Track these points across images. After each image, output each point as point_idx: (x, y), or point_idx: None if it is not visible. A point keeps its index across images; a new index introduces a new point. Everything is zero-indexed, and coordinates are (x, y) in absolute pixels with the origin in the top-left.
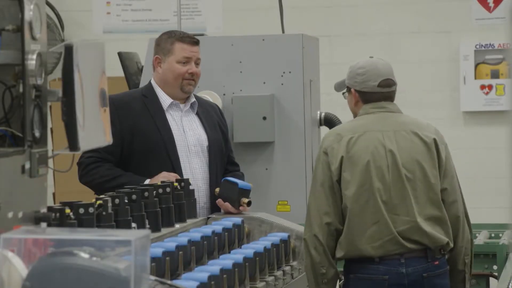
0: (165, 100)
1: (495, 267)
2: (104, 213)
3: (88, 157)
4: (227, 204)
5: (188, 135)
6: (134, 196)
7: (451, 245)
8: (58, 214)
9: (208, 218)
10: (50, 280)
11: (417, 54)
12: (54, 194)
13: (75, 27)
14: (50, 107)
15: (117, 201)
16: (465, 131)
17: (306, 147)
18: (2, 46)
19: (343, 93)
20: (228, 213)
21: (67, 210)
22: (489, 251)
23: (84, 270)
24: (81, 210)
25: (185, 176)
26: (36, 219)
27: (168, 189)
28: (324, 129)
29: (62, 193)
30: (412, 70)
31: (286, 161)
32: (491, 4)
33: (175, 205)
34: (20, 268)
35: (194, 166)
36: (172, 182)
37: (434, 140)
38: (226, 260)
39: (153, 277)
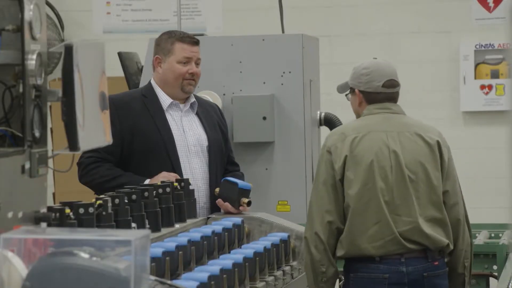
0: (165, 100)
1: (495, 267)
2: (104, 213)
3: (88, 157)
4: (227, 204)
5: (188, 135)
6: (134, 196)
7: (451, 247)
8: (58, 214)
9: (208, 218)
10: (50, 280)
11: (417, 54)
12: (54, 194)
13: (75, 27)
14: (50, 107)
15: (117, 201)
16: (465, 131)
17: (306, 147)
18: (2, 46)
19: (346, 95)
20: (228, 213)
21: (67, 210)
22: (489, 251)
23: (84, 270)
24: (81, 210)
25: (185, 176)
26: (36, 219)
27: (168, 189)
28: (324, 129)
29: (62, 193)
30: (412, 70)
31: (286, 161)
32: (491, 4)
33: (175, 205)
34: (20, 268)
35: (194, 166)
36: (172, 182)
37: (438, 142)
38: (226, 260)
39: (153, 277)
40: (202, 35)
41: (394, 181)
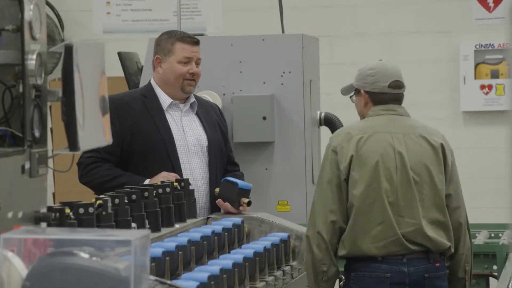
0: (164, 100)
1: (495, 267)
2: (104, 213)
3: (88, 157)
4: (227, 204)
5: (188, 135)
6: (134, 196)
7: (452, 250)
8: (58, 214)
9: (208, 218)
10: (50, 280)
11: (417, 54)
12: (54, 194)
13: (75, 27)
14: (50, 107)
15: (117, 201)
16: (465, 131)
17: (306, 147)
18: (2, 46)
19: (351, 97)
20: (228, 213)
21: (67, 210)
22: (489, 251)
23: (84, 270)
24: (81, 210)
25: (185, 176)
26: (36, 219)
27: (168, 189)
28: (324, 129)
29: (62, 193)
30: (412, 70)
31: (286, 161)
32: (491, 4)
33: (175, 205)
34: (20, 268)
35: (194, 166)
36: (172, 182)
37: (442, 145)
38: (226, 260)
39: (153, 277)
40: (202, 35)
41: (398, 182)
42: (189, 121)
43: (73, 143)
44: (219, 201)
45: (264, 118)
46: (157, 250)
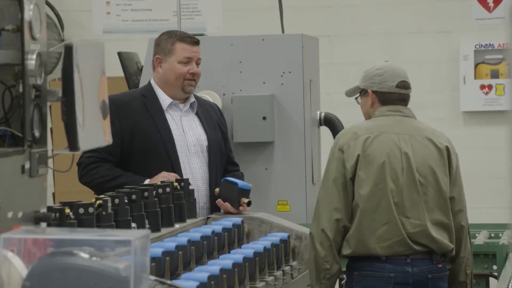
0: (164, 100)
1: (495, 267)
2: (104, 213)
3: (88, 157)
4: (227, 204)
5: (188, 135)
6: (134, 196)
7: (453, 252)
8: (58, 214)
9: (208, 218)
10: (50, 280)
11: (417, 54)
12: (54, 194)
13: (75, 27)
14: (50, 107)
15: (117, 201)
16: (465, 131)
17: (306, 147)
18: (2, 46)
19: (356, 98)
20: (228, 213)
21: (67, 210)
22: (489, 251)
23: (84, 270)
24: (81, 210)
25: (184, 176)
26: (36, 219)
27: (168, 189)
28: (324, 129)
29: (62, 193)
30: (412, 70)
31: (286, 161)
32: (491, 4)
33: (175, 205)
34: (20, 268)
35: (194, 166)
36: (172, 182)
37: (447, 148)
38: (226, 260)
39: (153, 277)
40: (202, 35)
41: (404, 183)
42: (189, 121)
43: (73, 143)
44: (219, 201)
45: (264, 118)
46: (157, 250)
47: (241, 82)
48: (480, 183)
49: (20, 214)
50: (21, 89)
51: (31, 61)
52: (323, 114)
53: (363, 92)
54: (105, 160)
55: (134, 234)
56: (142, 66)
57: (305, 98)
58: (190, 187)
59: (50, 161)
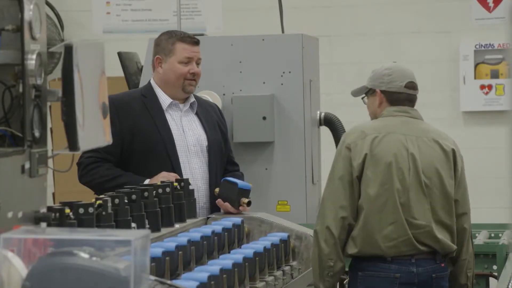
0: (164, 100)
1: (494, 267)
2: (104, 213)
3: (88, 157)
4: (227, 204)
5: (188, 135)
6: (134, 196)
7: (455, 253)
8: (58, 214)
9: (208, 218)
10: (50, 280)
11: (417, 54)
12: (54, 194)
13: (75, 27)
14: (50, 107)
15: (117, 201)
16: (465, 131)
17: (306, 147)
18: (2, 46)
19: (362, 98)
20: (228, 213)
21: (67, 210)
22: (489, 251)
23: (84, 270)
24: (81, 210)
25: (184, 176)
26: (36, 219)
27: (168, 189)
28: (324, 129)
29: (62, 193)
30: (412, 70)
31: (286, 161)
32: (491, 4)
33: (175, 205)
34: (20, 268)
35: (194, 166)
36: (172, 182)
37: (453, 150)
38: (226, 260)
39: (153, 277)
40: (202, 35)
41: (410, 183)
42: (189, 121)
43: (73, 143)
44: (219, 201)
45: (264, 118)
46: (157, 250)
47: (241, 82)
48: (480, 183)
49: (20, 214)
50: (21, 89)
51: (31, 61)
52: (323, 114)
53: (370, 91)
54: (105, 160)
55: (134, 234)
56: (142, 66)
57: (305, 98)
58: (190, 187)
59: (50, 161)
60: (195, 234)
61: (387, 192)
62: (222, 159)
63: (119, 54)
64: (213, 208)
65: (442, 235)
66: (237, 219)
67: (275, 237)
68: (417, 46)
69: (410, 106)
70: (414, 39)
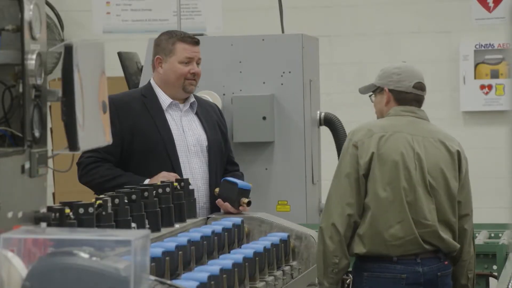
0: (164, 100)
1: (494, 267)
2: (104, 213)
3: (88, 157)
4: (227, 204)
5: (188, 135)
6: (134, 196)
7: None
8: (57, 214)
9: (208, 218)
10: (50, 280)
11: (417, 54)
12: (54, 194)
13: (75, 27)
14: (50, 107)
15: (117, 201)
16: (465, 131)
17: (306, 147)
18: (2, 46)
19: (370, 96)
20: (228, 213)
21: (67, 210)
22: (489, 251)
23: (84, 270)
24: (81, 210)
25: (184, 176)
26: (36, 219)
27: (168, 189)
28: (324, 129)
29: (62, 193)
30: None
31: (286, 161)
32: (491, 4)
33: (175, 205)
34: (20, 268)
35: (194, 166)
36: (172, 182)
37: (458, 152)
38: (226, 260)
39: (153, 277)
40: (202, 35)
41: (416, 183)
42: (189, 121)
43: (73, 143)
44: (219, 201)
45: (264, 118)
46: (157, 250)
47: (241, 82)
48: (480, 183)
49: (20, 214)
50: (21, 89)
51: (31, 61)
52: (323, 114)
53: (378, 89)
54: (105, 160)
55: (134, 234)
56: (142, 66)
57: (305, 98)
58: (190, 187)
59: (50, 161)
60: (195, 234)
61: (394, 191)
62: (222, 159)
63: (119, 54)
64: (213, 208)
65: (446, 234)
66: (237, 219)
67: (275, 237)
68: (417, 46)
69: (417, 107)
70: (414, 39)
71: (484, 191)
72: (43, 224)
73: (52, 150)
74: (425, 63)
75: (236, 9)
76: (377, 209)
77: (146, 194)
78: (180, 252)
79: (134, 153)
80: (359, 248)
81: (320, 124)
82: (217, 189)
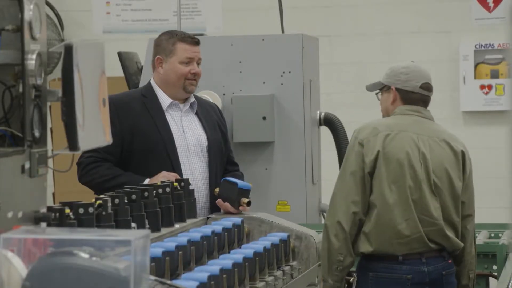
0: (164, 100)
1: (494, 267)
2: (104, 213)
3: (88, 157)
4: (227, 204)
5: (188, 135)
6: (134, 196)
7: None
8: (57, 214)
9: (208, 218)
10: (50, 280)
11: (417, 54)
12: (54, 194)
13: (75, 27)
14: (50, 107)
15: (117, 201)
16: (465, 131)
17: (306, 147)
18: (2, 46)
19: (377, 93)
20: (227, 213)
21: (67, 210)
22: (489, 251)
23: (84, 270)
24: (81, 210)
25: (184, 176)
26: (36, 219)
27: (168, 189)
28: (324, 129)
29: (62, 193)
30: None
31: (286, 161)
32: (491, 4)
33: (175, 205)
34: (20, 268)
35: (194, 166)
36: (172, 182)
37: (462, 152)
38: (226, 260)
39: (153, 277)
40: (202, 35)
41: (421, 181)
42: (189, 121)
43: (73, 143)
44: (219, 201)
45: (264, 118)
46: (157, 250)
47: (241, 82)
48: (480, 183)
49: (20, 214)
50: (21, 89)
51: (31, 61)
52: (323, 114)
53: (385, 88)
54: (105, 160)
55: (134, 234)
56: (142, 66)
57: (305, 98)
58: (190, 187)
59: (50, 161)
60: (195, 234)
61: (400, 189)
62: (222, 159)
63: (119, 54)
64: (213, 208)
65: (450, 233)
66: (237, 219)
67: (275, 237)
68: (417, 46)
69: (423, 107)
70: (414, 39)
71: (484, 191)
72: (43, 224)
73: (52, 150)
74: (425, 63)
75: (236, 9)
76: (383, 207)
77: (146, 194)
78: (180, 252)
79: (134, 153)
80: (365, 246)
81: (320, 124)
82: (217, 189)
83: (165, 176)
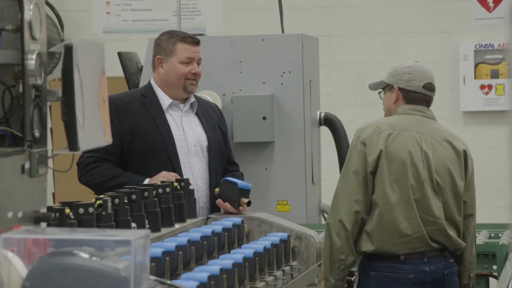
0: (164, 100)
1: (494, 267)
2: (103, 213)
3: (88, 157)
4: (227, 204)
5: (188, 135)
6: (134, 196)
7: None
8: (57, 214)
9: (208, 218)
10: (50, 280)
11: (417, 54)
12: (54, 194)
13: (75, 27)
14: (50, 107)
15: (117, 201)
16: (465, 131)
17: (306, 147)
18: (2, 46)
19: (379, 92)
20: (227, 213)
21: (67, 210)
22: (489, 251)
23: (84, 270)
24: (81, 210)
25: (185, 176)
26: (36, 219)
27: (168, 189)
28: (324, 129)
29: (62, 193)
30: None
31: (286, 161)
32: (491, 4)
33: (175, 205)
34: (20, 268)
35: (194, 166)
36: (172, 182)
37: (465, 152)
38: (226, 260)
39: (153, 277)
40: (202, 35)
41: (424, 181)
42: (189, 121)
43: (73, 143)
44: (219, 201)
45: (264, 118)
46: (157, 250)
47: (241, 82)
48: (480, 183)
49: (20, 214)
50: (21, 89)
51: (31, 61)
52: (323, 114)
53: (388, 87)
54: (105, 160)
55: (134, 234)
56: (142, 66)
57: (305, 98)
58: (190, 187)
59: (50, 161)
60: (195, 234)
61: (402, 188)
62: (222, 159)
63: (119, 54)
64: (213, 208)
65: (452, 232)
66: (237, 219)
67: (275, 237)
68: (417, 46)
69: (426, 106)
70: (414, 39)
71: (484, 191)
72: (43, 224)
73: (52, 150)
74: (425, 63)
75: (236, 9)
76: (385, 207)
77: (146, 194)
78: (180, 252)
79: (134, 153)
80: (367, 245)
81: (320, 124)
82: (217, 189)
83: (165, 176)
